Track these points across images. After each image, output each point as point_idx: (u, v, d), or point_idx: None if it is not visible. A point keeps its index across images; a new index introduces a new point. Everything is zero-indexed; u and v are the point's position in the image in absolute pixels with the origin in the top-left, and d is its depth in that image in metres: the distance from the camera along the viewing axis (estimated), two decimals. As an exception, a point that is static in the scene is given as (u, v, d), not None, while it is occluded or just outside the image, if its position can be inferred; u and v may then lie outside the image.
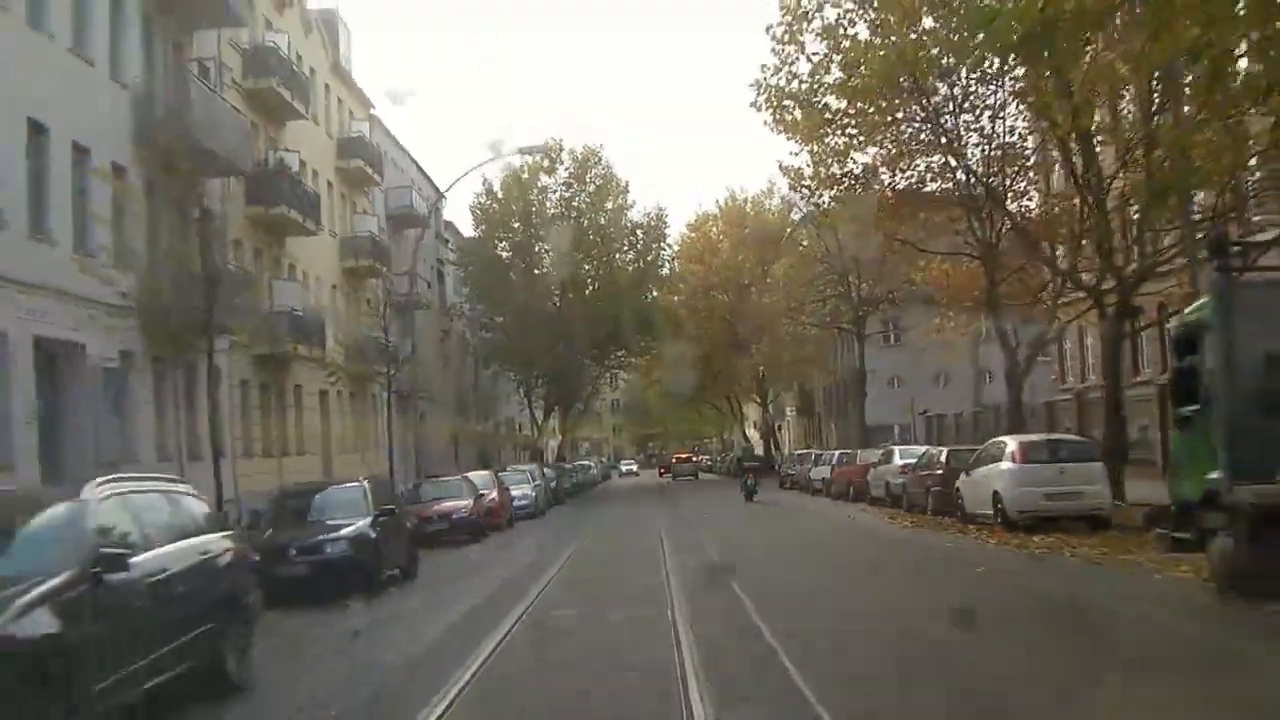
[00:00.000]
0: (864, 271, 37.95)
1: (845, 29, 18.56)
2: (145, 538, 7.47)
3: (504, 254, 50.36)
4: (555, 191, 49.77)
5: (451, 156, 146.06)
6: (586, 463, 64.29)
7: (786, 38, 18.83)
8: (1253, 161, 15.82)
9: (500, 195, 49.68)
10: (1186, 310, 10.92)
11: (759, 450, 65.34)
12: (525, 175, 49.36)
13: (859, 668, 7.92)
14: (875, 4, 18.17)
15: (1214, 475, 9.43)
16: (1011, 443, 17.23)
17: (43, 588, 6.08)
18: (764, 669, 7.85)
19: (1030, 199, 22.69)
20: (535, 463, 41.57)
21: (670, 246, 52.70)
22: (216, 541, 8.64)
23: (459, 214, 64.66)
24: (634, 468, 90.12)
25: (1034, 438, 17.85)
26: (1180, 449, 10.85)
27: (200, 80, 24.43)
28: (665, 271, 52.24)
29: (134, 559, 6.98)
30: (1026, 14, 13.83)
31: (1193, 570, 10.70)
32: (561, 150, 49.82)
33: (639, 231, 50.67)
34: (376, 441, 34.21)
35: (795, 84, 19.12)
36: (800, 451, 47.96)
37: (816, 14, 18.48)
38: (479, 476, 24.78)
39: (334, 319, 32.91)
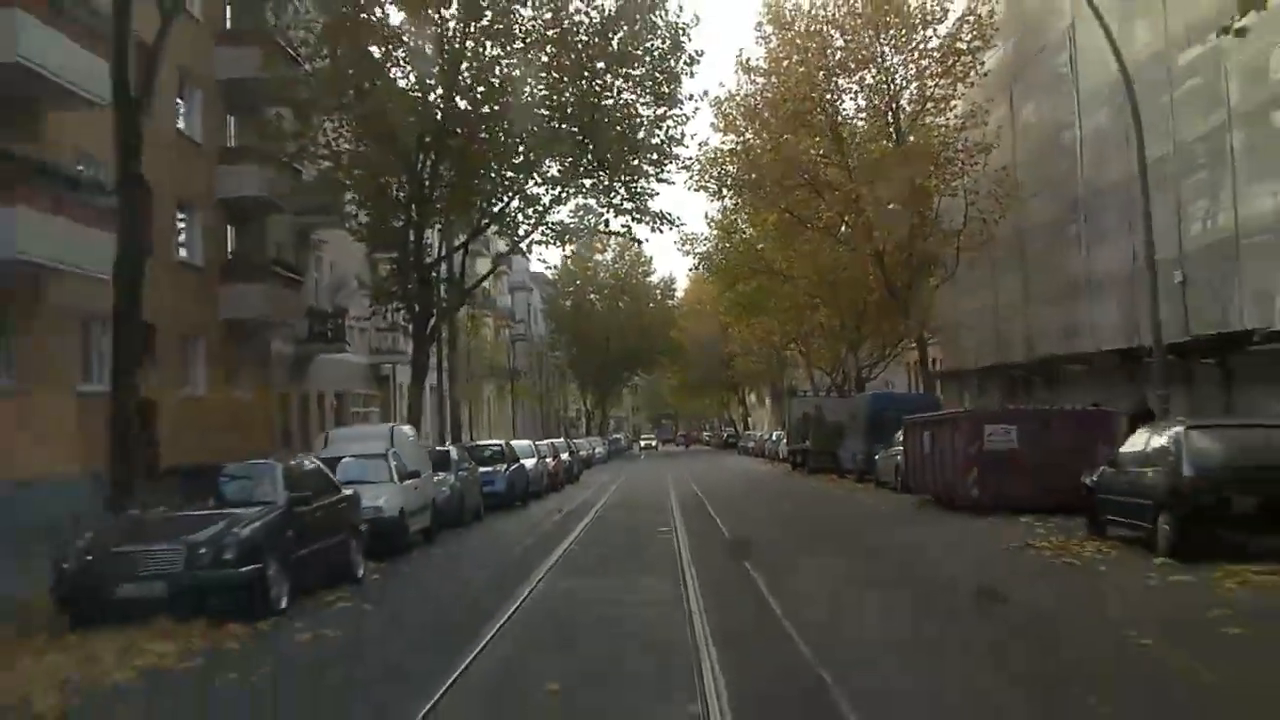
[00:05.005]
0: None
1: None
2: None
3: (567, 303, 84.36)
4: (605, 267, 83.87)
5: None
6: (618, 436, 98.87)
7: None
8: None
9: (571, 266, 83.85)
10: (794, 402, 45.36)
11: (741, 429, 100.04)
12: (585, 252, 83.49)
13: (693, 465, 42.04)
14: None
15: (796, 445, 43.67)
16: (780, 430, 51.41)
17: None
18: (681, 474, 41.92)
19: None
20: (597, 436, 76.21)
21: (676, 293, 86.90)
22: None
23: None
24: (652, 442, 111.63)
25: (785, 431, 51.69)
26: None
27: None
28: (674, 313, 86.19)
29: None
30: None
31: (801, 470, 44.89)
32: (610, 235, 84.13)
33: (657, 291, 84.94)
34: (507, 423, 68.72)
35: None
36: (747, 432, 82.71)
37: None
38: (589, 440, 59.17)
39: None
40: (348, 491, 14.37)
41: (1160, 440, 14.01)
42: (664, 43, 29.47)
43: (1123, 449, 15.16)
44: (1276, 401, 22.16)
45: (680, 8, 41.00)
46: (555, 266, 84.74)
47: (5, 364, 20.14)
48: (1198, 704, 6.94)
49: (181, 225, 28.41)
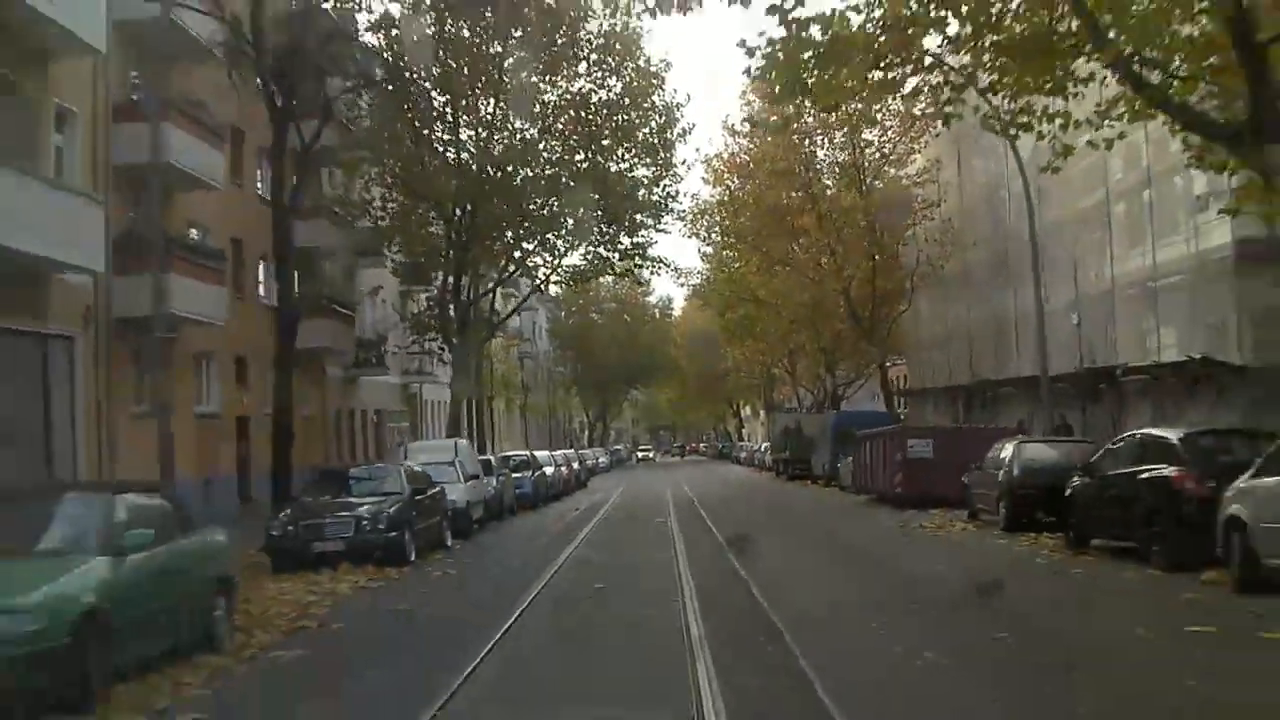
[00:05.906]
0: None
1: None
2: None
3: (570, 322, 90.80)
4: (606, 288, 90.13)
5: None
6: (619, 447, 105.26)
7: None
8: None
9: (575, 289, 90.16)
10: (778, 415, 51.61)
11: (735, 441, 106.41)
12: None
13: (689, 474, 48.27)
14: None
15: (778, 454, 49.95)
16: (765, 444, 57.64)
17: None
18: (677, 481, 48.16)
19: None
20: (600, 448, 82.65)
21: (673, 312, 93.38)
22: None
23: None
24: (650, 453, 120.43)
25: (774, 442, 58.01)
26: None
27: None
28: (672, 331, 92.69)
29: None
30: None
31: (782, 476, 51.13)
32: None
33: (655, 310, 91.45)
34: (517, 435, 75.03)
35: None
36: (740, 443, 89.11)
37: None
38: (594, 451, 65.58)
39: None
40: (439, 487, 20.59)
41: (1008, 449, 20.25)
42: (660, 118, 35.86)
43: (988, 455, 21.36)
44: (1142, 417, 28.45)
45: (674, 90, 49.42)
46: (562, 295, 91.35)
47: (154, 393, 26.32)
48: (940, 590, 13.18)
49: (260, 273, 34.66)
